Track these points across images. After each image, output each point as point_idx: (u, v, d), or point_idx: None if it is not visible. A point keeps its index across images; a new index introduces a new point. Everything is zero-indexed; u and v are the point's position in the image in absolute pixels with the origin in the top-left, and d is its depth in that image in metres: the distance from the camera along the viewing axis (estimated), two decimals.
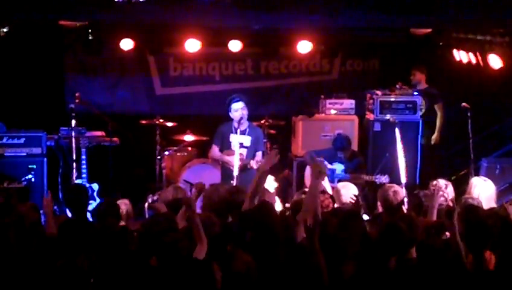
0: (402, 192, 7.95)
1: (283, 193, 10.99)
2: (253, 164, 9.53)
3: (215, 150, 9.95)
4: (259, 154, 9.77)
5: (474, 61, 11.02)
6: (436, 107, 11.70)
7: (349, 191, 8.22)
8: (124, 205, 7.73)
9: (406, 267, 5.88)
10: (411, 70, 11.96)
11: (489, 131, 11.92)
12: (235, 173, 9.39)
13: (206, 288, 5.45)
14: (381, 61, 13.16)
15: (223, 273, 5.63)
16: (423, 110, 11.55)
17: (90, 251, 5.84)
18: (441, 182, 8.16)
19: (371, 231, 6.78)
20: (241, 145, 9.72)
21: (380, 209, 7.87)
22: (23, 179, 9.97)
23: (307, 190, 9.03)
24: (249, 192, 7.05)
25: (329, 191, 8.46)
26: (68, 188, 8.80)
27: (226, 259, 5.80)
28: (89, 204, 7.98)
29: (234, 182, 9.20)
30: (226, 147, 9.85)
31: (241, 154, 9.60)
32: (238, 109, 9.67)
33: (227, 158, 9.75)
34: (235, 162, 9.44)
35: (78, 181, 10.53)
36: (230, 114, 9.76)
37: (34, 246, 5.82)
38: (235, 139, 9.71)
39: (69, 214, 8.09)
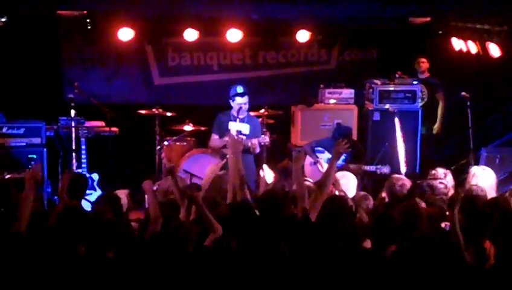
0: (408, 185, 7.95)
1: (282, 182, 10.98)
2: (255, 141, 9.52)
3: (214, 138, 9.95)
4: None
5: (473, 50, 11.01)
6: (437, 96, 11.69)
7: (349, 182, 8.23)
8: (123, 194, 7.74)
9: (403, 256, 5.90)
10: (418, 58, 11.93)
11: (489, 120, 11.92)
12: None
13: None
14: (379, 50, 13.13)
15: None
16: (425, 100, 11.54)
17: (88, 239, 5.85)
18: (440, 170, 8.19)
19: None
20: (240, 133, 9.74)
21: (386, 200, 7.88)
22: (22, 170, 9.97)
23: (308, 179, 9.07)
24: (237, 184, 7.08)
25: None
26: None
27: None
28: (87, 193, 7.99)
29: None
30: (224, 135, 9.85)
31: (241, 138, 9.59)
32: (241, 103, 9.71)
33: (226, 139, 9.74)
34: None
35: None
36: (231, 102, 9.76)
37: (37, 235, 5.81)
38: (234, 126, 9.73)
39: None
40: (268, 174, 9.71)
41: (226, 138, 9.68)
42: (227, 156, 9.43)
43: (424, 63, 11.85)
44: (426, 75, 11.85)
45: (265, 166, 10.16)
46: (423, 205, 7.20)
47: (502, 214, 6.77)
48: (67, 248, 5.77)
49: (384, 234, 6.06)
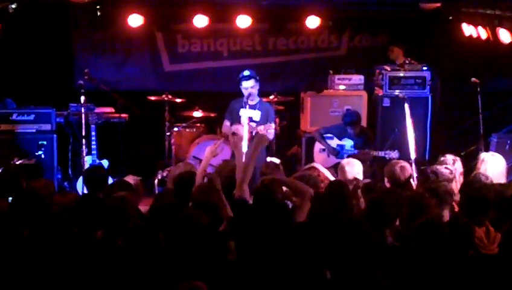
0: (409, 167, 7.97)
1: (292, 169, 11.01)
2: (261, 128, 9.51)
3: (226, 124, 9.95)
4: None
5: (483, 35, 10.96)
6: None
7: (353, 168, 8.22)
8: (133, 181, 7.75)
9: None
10: (389, 47, 12.09)
11: (499, 106, 11.88)
12: (244, 147, 9.34)
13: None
14: (389, 36, 13.07)
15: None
16: None
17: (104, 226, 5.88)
18: (449, 157, 8.19)
19: None
20: (251, 120, 9.72)
21: (388, 185, 7.88)
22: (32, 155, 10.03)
23: (315, 164, 9.08)
24: (237, 180, 7.06)
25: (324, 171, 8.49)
26: (88, 169, 8.77)
27: None
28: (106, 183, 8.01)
29: (243, 158, 9.16)
30: (236, 121, 9.83)
31: (251, 126, 9.58)
32: (247, 87, 9.67)
33: (235, 126, 9.72)
34: (244, 134, 9.43)
35: (88, 158, 10.58)
36: (240, 88, 9.77)
37: (49, 221, 5.83)
38: (245, 113, 9.71)
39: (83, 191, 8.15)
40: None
41: (235, 126, 9.68)
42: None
43: (392, 52, 12.00)
44: (402, 60, 11.83)
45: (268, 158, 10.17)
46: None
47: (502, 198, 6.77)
48: (84, 234, 5.82)
49: (377, 218, 6.07)
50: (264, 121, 9.75)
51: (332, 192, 6.84)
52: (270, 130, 9.49)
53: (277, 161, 9.81)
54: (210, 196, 6.42)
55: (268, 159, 9.83)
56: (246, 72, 9.79)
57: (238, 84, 9.75)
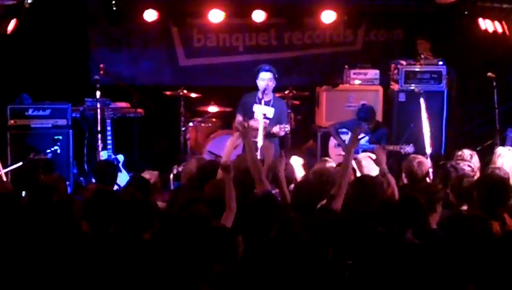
0: (427, 163, 7.93)
1: (307, 164, 10.99)
2: (277, 128, 9.48)
3: (239, 119, 9.89)
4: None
5: (500, 30, 10.92)
6: None
7: (370, 162, 8.20)
8: (150, 176, 7.76)
9: (426, 238, 5.88)
10: (416, 41, 12.02)
11: None
12: (259, 143, 9.32)
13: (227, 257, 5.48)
14: (405, 31, 13.02)
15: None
16: None
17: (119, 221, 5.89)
18: (466, 152, 8.15)
19: None
20: (264, 116, 9.67)
21: (405, 180, 7.85)
22: (49, 150, 10.06)
23: (328, 159, 9.05)
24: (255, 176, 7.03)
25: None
26: (97, 164, 8.80)
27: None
28: (117, 178, 8.02)
29: (258, 154, 9.15)
30: (249, 117, 9.73)
31: (265, 122, 9.55)
32: (265, 79, 9.54)
33: (251, 122, 9.64)
34: (259, 130, 9.39)
35: (103, 153, 10.62)
36: (257, 81, 9.67)
37: (62, 217, 5.84)
38: (259, 109, 9.65)
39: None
40: (296, 161, 9.67)
41: (251, 121, 9.62)
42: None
43: (421, 45, 11.89)
44: (429, 53, 11.82)
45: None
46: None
47: None
48: (100, 229, 5.84)
49: (407, 216, 6.04)
50: (277, 118, 9.65)
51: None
52: (284, 130, 9.49)
53: (300, 160, 9.79)
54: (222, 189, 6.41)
55: (292, 158, 9.81)
56: (265, 65, 9.74)
57: (255, 77, 9.66)
